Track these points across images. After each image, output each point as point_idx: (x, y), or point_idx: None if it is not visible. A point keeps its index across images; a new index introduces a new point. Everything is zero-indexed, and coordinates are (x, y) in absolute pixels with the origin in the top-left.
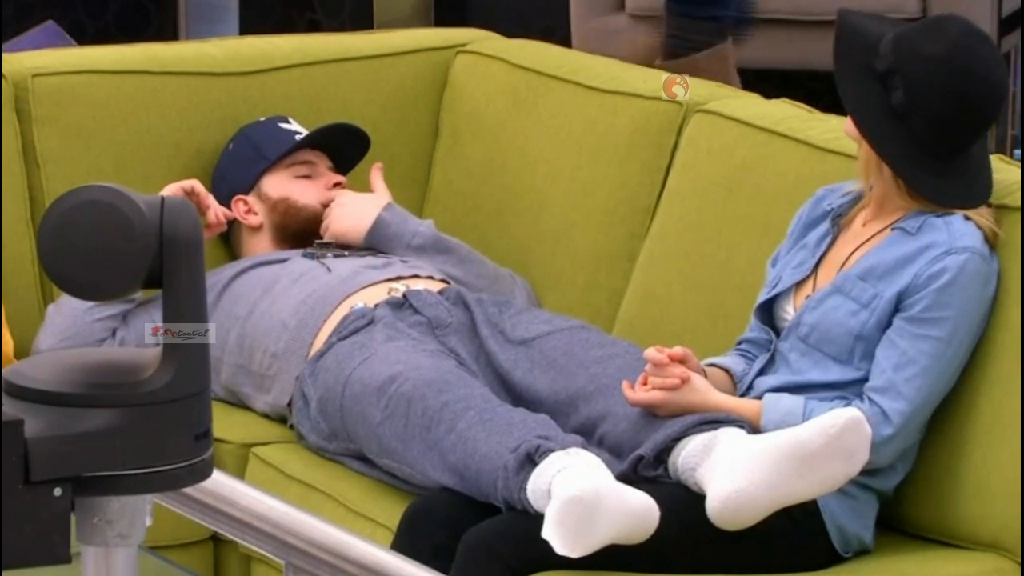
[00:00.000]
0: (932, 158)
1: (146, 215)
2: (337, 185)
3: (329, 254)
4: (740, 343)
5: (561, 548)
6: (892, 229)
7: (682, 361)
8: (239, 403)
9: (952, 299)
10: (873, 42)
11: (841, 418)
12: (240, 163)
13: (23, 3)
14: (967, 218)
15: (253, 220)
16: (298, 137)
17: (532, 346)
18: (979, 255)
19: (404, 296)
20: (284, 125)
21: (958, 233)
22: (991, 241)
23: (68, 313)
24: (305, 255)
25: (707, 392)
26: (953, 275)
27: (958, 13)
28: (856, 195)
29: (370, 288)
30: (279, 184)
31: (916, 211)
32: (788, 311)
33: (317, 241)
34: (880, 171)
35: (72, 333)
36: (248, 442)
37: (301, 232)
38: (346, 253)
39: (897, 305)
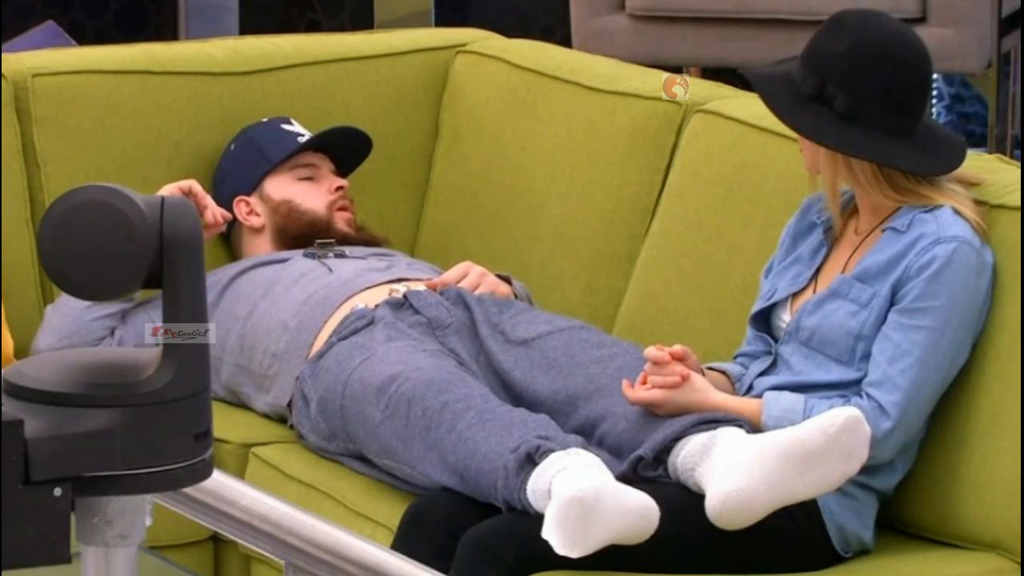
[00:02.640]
0: (901, 141)
1: (146, 215)
2: (339, 189)
3: (330, 254)
4: (736, 357)
5: (561, 548)
6: (883, 230)
7: (682, 359)
8: (239, 403)
9: (942, 287)
10: (785, 76)
11: (840, 417)
12: (242, 164)
13: (23, 3)
14: (956, 212)
15: (255, 221)
16: (301, 139)
17: (532, 346)
18: (968, 244)
19: (404, 296)
20: (286, 127)
21: (946, 224)
22: (980, 235)
23: (67, 313)
24: (306, 255)
25: (707, 391)
26: (942, 263)
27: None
28: (844, 203)
29: (371, 289)
30: (282, 186)
31: (905, 208)
32: (784, 319)
33: (318, 241)
34: (858, 181)
35: (71, 332)
36: (248, 442)
37: (302, 234)
38: (347, 254)
39: (892, 300)
